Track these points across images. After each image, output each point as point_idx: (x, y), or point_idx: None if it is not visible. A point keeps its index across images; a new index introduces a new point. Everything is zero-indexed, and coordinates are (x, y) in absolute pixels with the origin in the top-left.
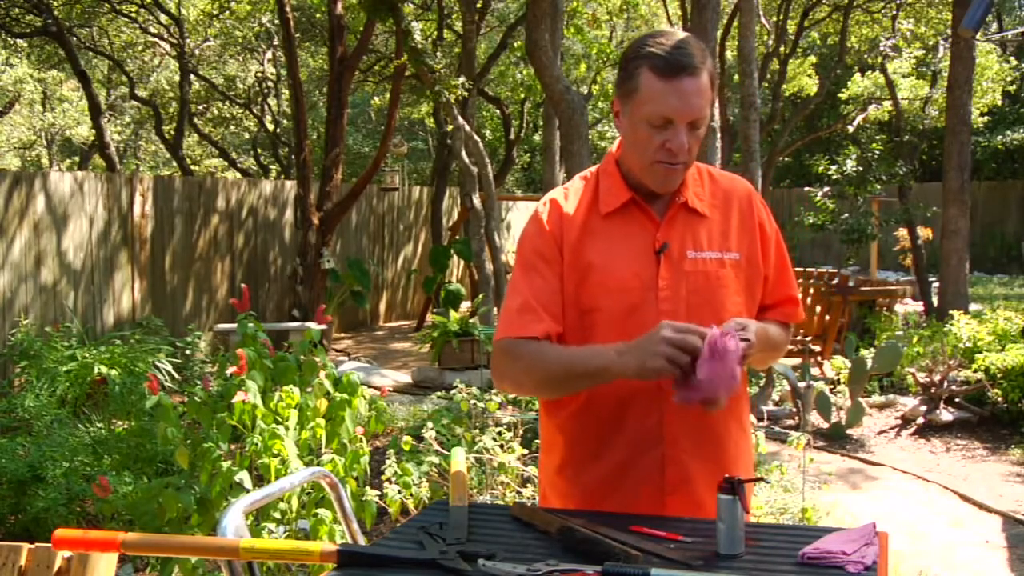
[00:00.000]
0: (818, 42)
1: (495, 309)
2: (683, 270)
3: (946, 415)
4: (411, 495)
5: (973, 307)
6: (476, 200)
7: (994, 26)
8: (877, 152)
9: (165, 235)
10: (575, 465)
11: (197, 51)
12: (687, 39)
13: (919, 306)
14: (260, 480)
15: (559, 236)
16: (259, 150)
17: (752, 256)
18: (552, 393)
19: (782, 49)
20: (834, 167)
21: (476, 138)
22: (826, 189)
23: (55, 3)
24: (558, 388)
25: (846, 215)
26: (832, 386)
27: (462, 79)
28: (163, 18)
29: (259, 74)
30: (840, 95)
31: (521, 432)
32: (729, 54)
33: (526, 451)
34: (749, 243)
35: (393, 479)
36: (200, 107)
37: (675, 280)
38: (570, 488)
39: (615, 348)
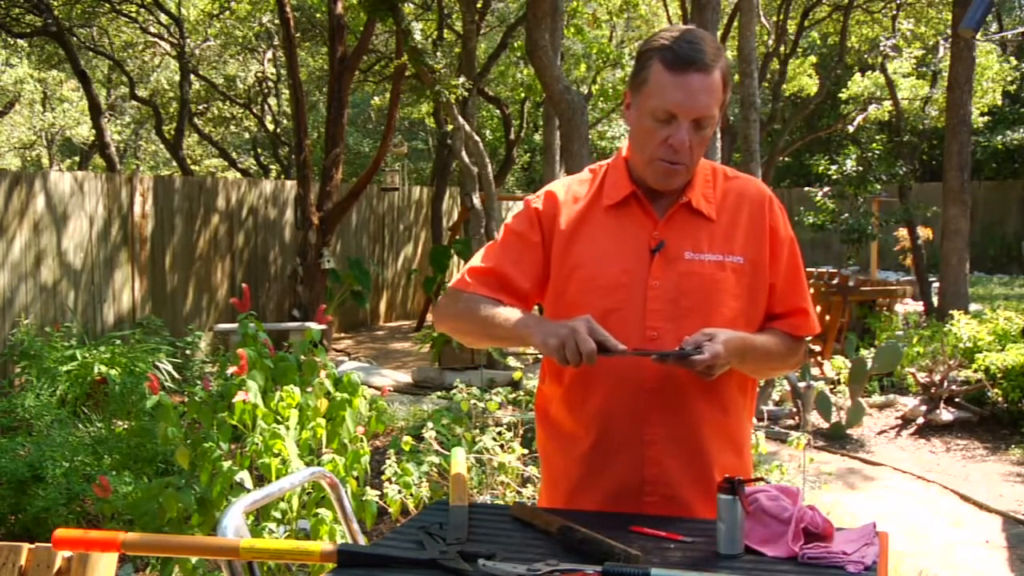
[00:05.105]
0: (818, 42)
1: None
2: (677, 270)
3: (946, 415)
4: (411, 495)
5: (973, 307)
6: (476, 200)
7: (994, 26)
8: (877, 152)
9: (165, 235)
10: (562, 452)
11: (197, 51)
12: (703, 36)
13: (919, 306)
14: (260, 480)
15: (549, 224)
16: (259, 150)
17: (758, 261)
18: (479, 341)
19: (782, 49)
20: (834, 167)
21: (476, 138)
22: (826, 189)
23: (55, 3)
24: (484, 338)
25: (846, 215)
26: (832, 386)
27: (462, 79)
28: (163, 18)
29: (259, 74)
30: (840, 95)
31: (521, 432)
32: (729, 54)
33: (526, 451)
34: (756, 248)
35: (393, 479)
36: (200, 107)
37: (667, 280)
38: (556, 477)
39: (536, 317)
